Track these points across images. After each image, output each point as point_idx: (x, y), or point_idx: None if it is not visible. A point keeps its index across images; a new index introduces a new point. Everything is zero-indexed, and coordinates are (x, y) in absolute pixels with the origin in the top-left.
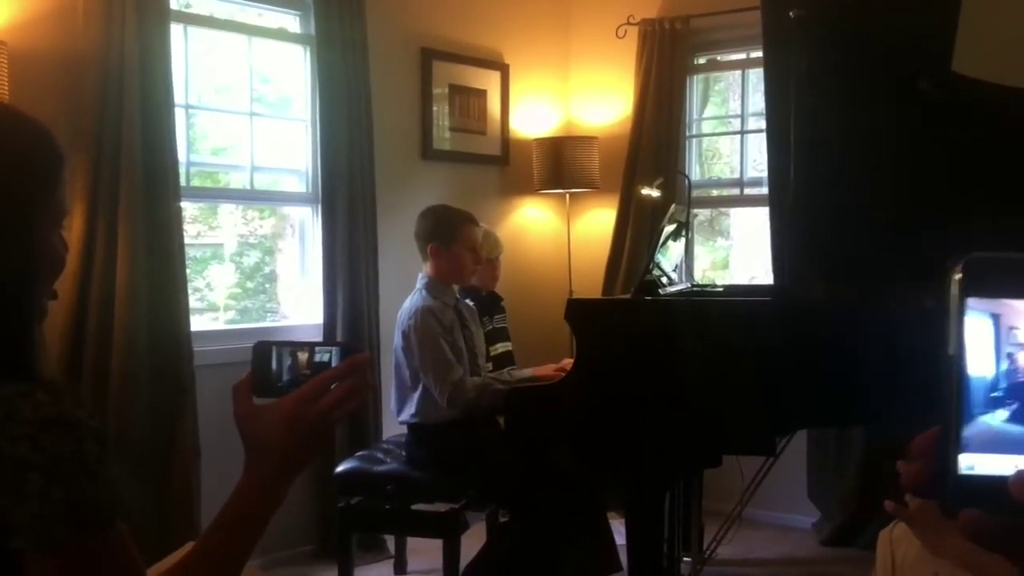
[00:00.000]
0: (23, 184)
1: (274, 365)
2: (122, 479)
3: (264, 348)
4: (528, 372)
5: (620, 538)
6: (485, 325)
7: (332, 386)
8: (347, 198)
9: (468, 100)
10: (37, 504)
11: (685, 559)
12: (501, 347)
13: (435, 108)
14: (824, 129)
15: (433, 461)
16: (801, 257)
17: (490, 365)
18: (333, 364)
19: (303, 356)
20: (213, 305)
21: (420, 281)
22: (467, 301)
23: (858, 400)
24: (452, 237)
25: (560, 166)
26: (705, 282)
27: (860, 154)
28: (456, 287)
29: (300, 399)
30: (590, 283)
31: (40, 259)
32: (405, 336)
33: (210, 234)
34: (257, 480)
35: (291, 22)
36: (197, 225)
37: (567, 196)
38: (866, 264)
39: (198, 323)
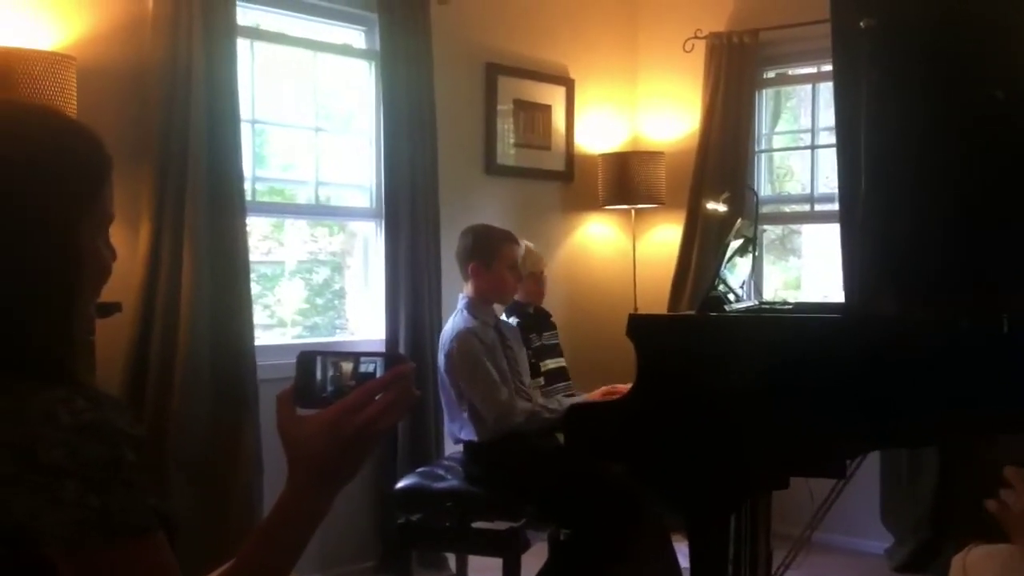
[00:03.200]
0: (68, 185)
1: (318, 375)
2: (181, 491)
3: (308, 358)
4: (580, 399)
5: (684, 560)
6: (533, 342)
7: (376, 397)
8: (410, 213)
9: (533, 115)
10: (72, 511)
11: None
12: (552, 363)
13: (500, 123)
14: (895, 142)
15: (490, 478)
16: (872, 274)
17: (542, 380)
18: (377, 375)
19: (347, 366)
20: (283, 321)
21: (461, 301)
22: (512, 319)
23: (931, 421)
24: (492, 256)
25: (626, 182)
26: (775, 300)
27: (933, 167)
28: (499, 306)
29: (343, 410)
30: (656, 301)
31: (83, 263)
32: (448, 358)
33: (280, 251)
34: (299, 491)
35: (356, 38)
36: (268, 242)
37: (632, 212)
38: (939, 281)
39: (266, 339)
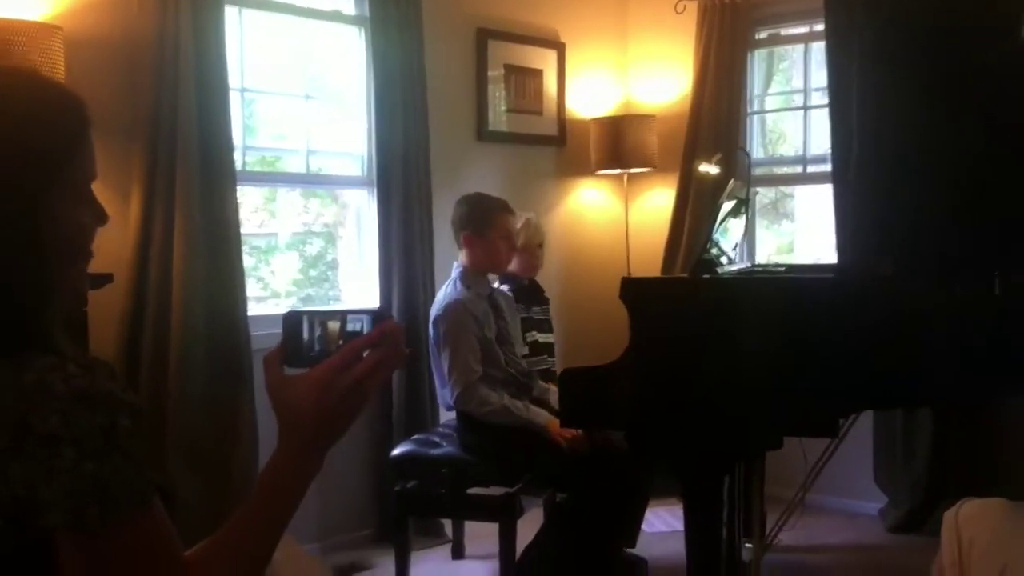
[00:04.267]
0: (33, 151)
1: (305, 335)
2: (178, 464)
3: (294, 317)
4: (543, 419)
5: (678, 523)
6: (521, 312)
7: (364, 354)
8: (402, 181)
9: (524, 80)
10: (68, 480)
11: (746, 545)
12: (540, 337)
13: (491, 89)
14: (889, 103)
15: (485, 446)
16: (865, 234)
17: (526, 349)
18: (365, 332)
19: (334, 325)
20: (276, 293)
21: (455, 271)
22: (504, 288)
23: (923, 381)
24: (486, 225)
25: (618, 146)
26: (768, 264)
27: (926, 129)
28: (492, 275)
29: (330, 368)
30: (649, 265)
31: (57, 228)
32: (435, 325)
33: (272, 223)
34: (289, 451)
35: (346, 3)
36: (261, 214)
37: (625, 177)
38: (932, 243)
39: (263, 311)
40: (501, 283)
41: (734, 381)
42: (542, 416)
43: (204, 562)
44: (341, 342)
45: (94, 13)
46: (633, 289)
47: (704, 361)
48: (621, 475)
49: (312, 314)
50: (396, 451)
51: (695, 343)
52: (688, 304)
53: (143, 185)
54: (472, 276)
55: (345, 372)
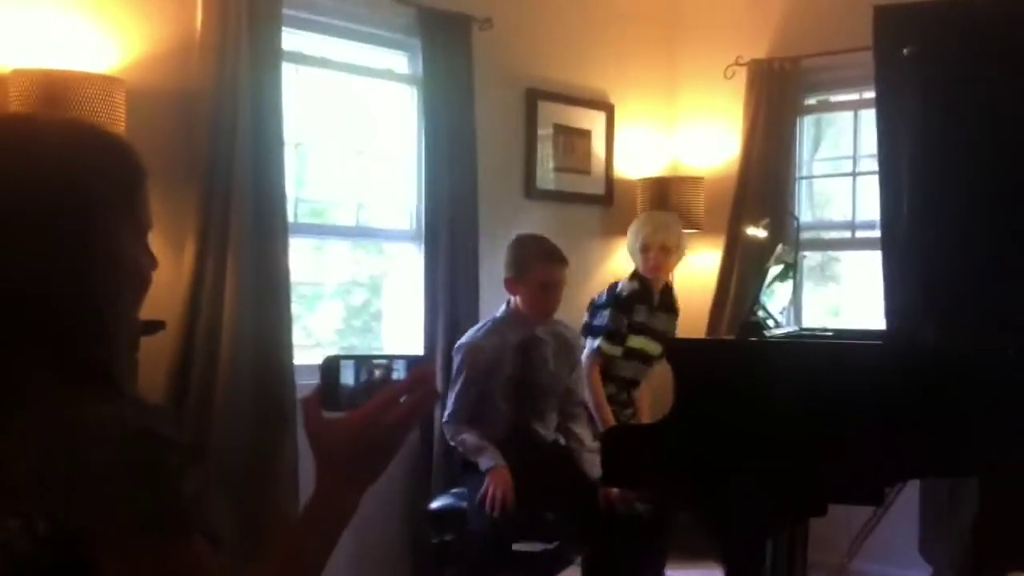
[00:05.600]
0: (104, 195)
1: (342, 379)
2: (220, 507)
3: (332, 362)
4: (487, 463)
5: None
6: (637, 314)
7: (401, 399)
8: (449, 236)
9: (573, 140)
10: (119, 513)
11: None
12: (640, 342)
13: (540, 148)
14: (939, 169)
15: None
16: (914, 301)
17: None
18: (400, 377)
19: (371, 369)
20: (321, 342)
21: (502, 308)
22: (630, 285)
23: (971, 449)
24: (521, 272)
25: (665, 206)
26: (814, 327)
27: (977, 195)
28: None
29: (368, 412)
30: (694, 326)
31: (122, 271)
32: (455, 352)
33: (319, 272)
34: (328, 492)
35: (399, 62)
36: (308, 263)
37: None
38: (982, 308)
39: (306, 360)
40: (639, 286)
41: (779, 445)
42: (490, 461)
43: None
44: (377, 385)
45: (156, 66)
46: (680, 350)
47: (749, 424)
48: (641, 533)
49: (349, 358)
50: (435, 504)
51: (741, 405)
52: (734, 366)
53: (197, 234)
54: (515, 318)
55: (382, 416)
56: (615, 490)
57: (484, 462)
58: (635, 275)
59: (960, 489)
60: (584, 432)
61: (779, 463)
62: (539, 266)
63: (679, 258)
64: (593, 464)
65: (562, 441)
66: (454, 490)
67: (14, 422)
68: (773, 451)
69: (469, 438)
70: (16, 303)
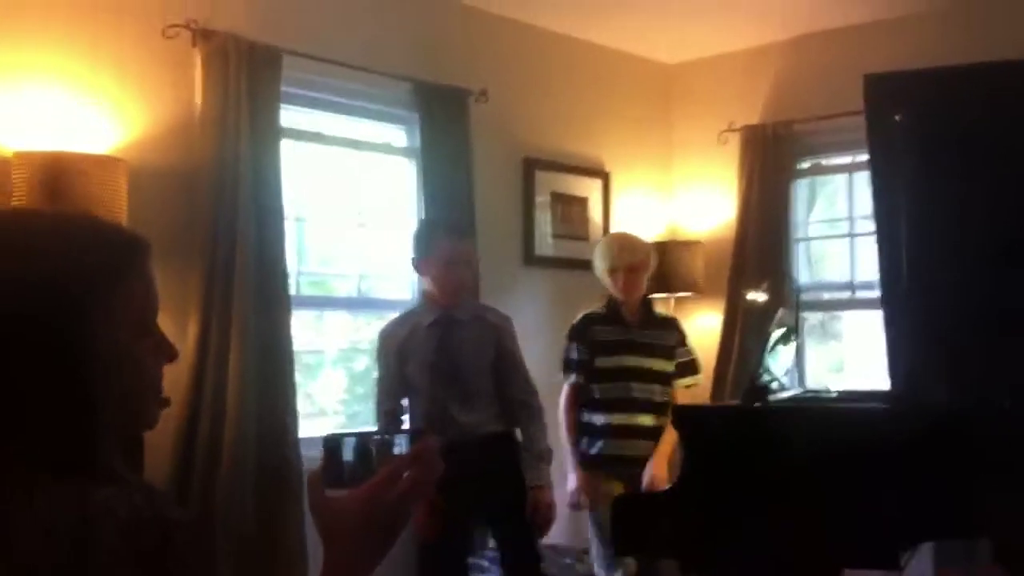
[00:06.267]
0: (91, 295)
1: (345, 456)
2: None
3: (334, 440)
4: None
5: None
6: (604, 335)
7: (404, 475)
8: None
9: (570, 207)
10: None
11: None
12: (629, 360)
13: (537, 215)
14: (935, 231)
15: None
16: (918, 361)
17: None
18: (403, 451)
19: (373, 446)
20: (324, 411)
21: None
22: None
23: (984, 510)
24: (426, 250)
25: (664, 270)
26: (818, 387)
27: (973, 254)
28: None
29: (372, 488)
30: (698, 390)
31: (107, 363)
32: None
33: (321, 341)
34: (335, 571)
35: (397, 136)
36: (309, 332)
37: (672, 301)
38: (986, 366)
39: (309, 428)
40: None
41: (788, 510)
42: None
43: None
44: (379, 462)
45: (157, 145)
46: (686, 417)
47: (759, 489)
48: None
49: (352, 436)
50: None
51: (749, 471)
52: (741, 432)
53: (200, 309)
54: (427, 302)
55: (386, 492)
56: (546, 498)
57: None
58: (607, 300)
59: (974, 551)
60: (535, 431)
61: (791, 528)
62: (442, 242)
63: (649, 275)
64: (531, 468)
65: (516, 435)
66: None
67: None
68: (785, 516)
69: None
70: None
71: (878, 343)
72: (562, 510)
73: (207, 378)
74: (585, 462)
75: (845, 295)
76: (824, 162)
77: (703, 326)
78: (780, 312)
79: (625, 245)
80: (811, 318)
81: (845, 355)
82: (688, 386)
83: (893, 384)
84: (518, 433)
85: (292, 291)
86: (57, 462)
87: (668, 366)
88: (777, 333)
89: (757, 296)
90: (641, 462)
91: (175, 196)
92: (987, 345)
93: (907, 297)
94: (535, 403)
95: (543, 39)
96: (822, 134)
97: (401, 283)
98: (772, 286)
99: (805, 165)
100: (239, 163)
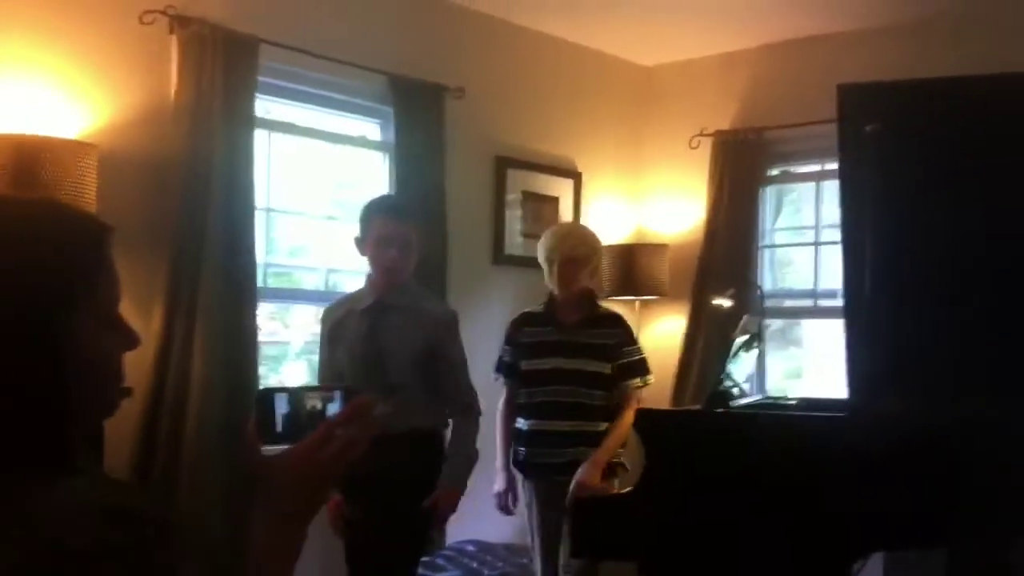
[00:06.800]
0: (55, 286)
1: (278, 412)
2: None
3: (266, 395)
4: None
5: None
6: (530, 335)
7: (337, 431)
8: None
9: (541, 207)
10: None
11: None
12: (555, 362)
13: (508, 214)
14: (900, 243)
15: None
16: (876, 370)
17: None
18: (337, 407)
19: (306, 402)
20: None
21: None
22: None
23: (936, 519)
24: (364, 229)
25: (630, 273)
26: (777, 393)
27: (939, 265)
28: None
29: (308, 447)
30: (659, 392)
31: (75, 355)
32: None
33: (285, 332)
34: (271, 529)
35: (372, 130)
36: (273, 323)
37: (637, 303)
38: (944, 377)
39: None
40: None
41: (744, 516)
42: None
43: None
44: (313, 418)
45: (129, 131)
46: (648, 421)
47: (716, 494)
48: None
49: (284, 391)
50: None
51: (708, 476)
52: (702, 437)
53: (165, 299)
54: (369, 285)
55: (321, 450)
56: (452, 501)
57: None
58: (548, 296)
59: (927, 561)
60: (465, 433)
61: (746, 534)
62: (377, 219)
63: (593, 270)
64: (451, 468)
65: (443, 435)
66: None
67: None
68: (738, 522)
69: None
70: None
71: (838, 351)
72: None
73: (171, 367)
74: (516, 466)
75: (808, 303)
76: (793, 169)
77: (667, 330)
78: (744, 318)
79: (565, 236)
80: (772, 324)
81: (804, 362)
82: (637, 387)
83: (850, 393)
84: (448, 433)
85: (259, 283)
86: (28, 457)
87: (603, 367)
88: (741, 339)
89: (723, 301)
90: (561, 468)
91: (146, 183)
92: (946, 358)
93: (868, 307)
94: (469, 404)
95: (521, 37)
96: (792, 141)
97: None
98: (737, 292)
99: (775, 172)
100: (212, 152)
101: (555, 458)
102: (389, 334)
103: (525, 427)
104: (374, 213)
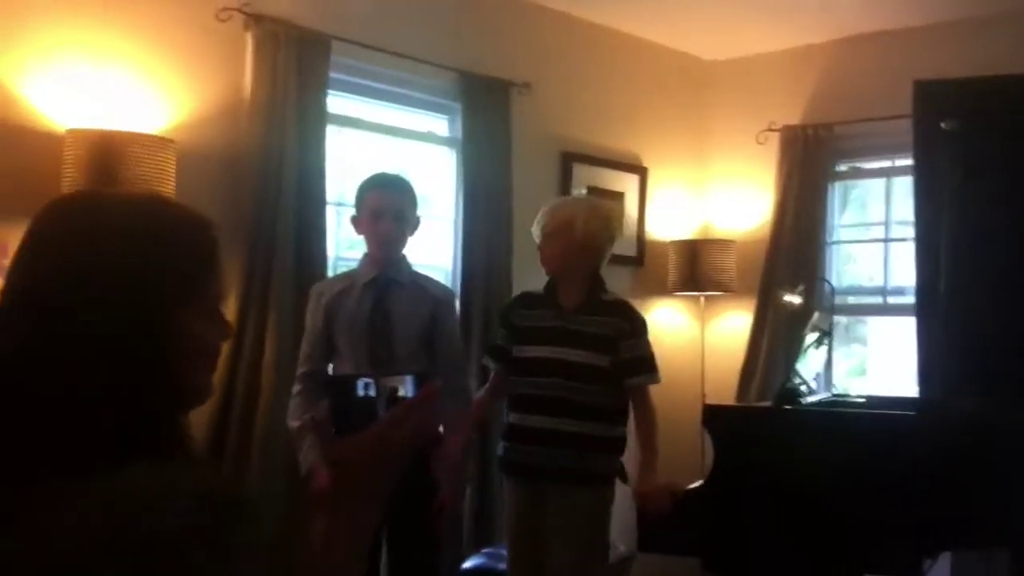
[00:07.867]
0: (170, 281)
1: (355, 395)
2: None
3: (345, 380)
4: (305, 467)
5: None
6: (526, 319)
7: (409, 416)
8: (484, 296)
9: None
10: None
11: None
12: (545, 351)
13: None
14: (978, 240)
15: None
16: (949, 370)
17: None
18: (408, 392)
19: (382, 386)
20: None
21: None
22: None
23: (1008, 520)
24: (359, 204)
25: (695, 269)
26: (843, 391)
27: (1016, 266)
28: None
29: (379, 432)
30: (724, 388)
31: (185, 348)
32: None
33: None
34: (340, 515)
35: (439, 126)
36: None
37: (702, 299)
38: (1018, 379)
39: None
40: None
41: (814, 513)
42: (307, 463)
43: None
44: (386, 402)
45: (205, 127)
46: (717, 417)
47: (784, 491)
48: None
49: (359, 378)
50: (467, 564)
51: (777, 473)
52: (771, 434)
53: (239, 292)
54: (366, 261)
55: (393, 433)
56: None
57: (304, 461)
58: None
59: (993, 564)
60: (455, 423)
61: (815, 531)
62: (370, 194)
63: (577, 244)
64: (443, 466)
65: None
66: (486, 550)
67: (67, 494)
68: (810, 518)
69: (298, 430)
70: (82, 380)
71: (905, 349)
72: None
73: (243, 357)
74: (497, 463)
75: (877, 300)
76: (862, 165)
77: (733, 326)
78: (815, 315)
79: (546, 210)
80: (836, 321)
81: (869, 359)
82: (637, 387)
83: (922, 392)
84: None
85: (329, 276)
86: (136, 443)
87: (597, 359)
88: (811, 337)
89: (793, 298)
90: (538, 471)
91: (221, 178)
92: (1019, 359)
93: (943, 306)
94: (464, 387)
95: (586, 31)
96: (862, 137)
97: (438, 274)
98: (806, 289)
99: (843, 168)
100: (285, 147)
101: (535, 458)
102: (395, 308)
103: (508, 420)
104: (367, 189)
